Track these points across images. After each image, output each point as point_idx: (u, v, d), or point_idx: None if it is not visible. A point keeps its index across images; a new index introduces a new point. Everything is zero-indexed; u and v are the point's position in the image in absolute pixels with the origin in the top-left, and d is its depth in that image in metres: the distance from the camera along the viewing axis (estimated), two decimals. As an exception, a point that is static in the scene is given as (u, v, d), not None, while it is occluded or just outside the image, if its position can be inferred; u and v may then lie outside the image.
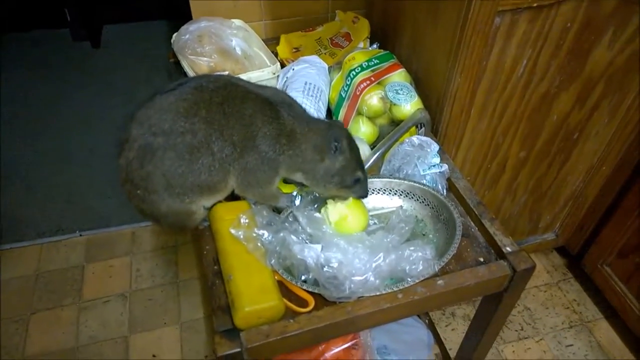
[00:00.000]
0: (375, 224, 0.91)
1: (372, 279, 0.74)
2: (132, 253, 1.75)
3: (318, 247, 0.76)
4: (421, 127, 1.04)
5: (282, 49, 1.28)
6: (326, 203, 0.85)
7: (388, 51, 1.13)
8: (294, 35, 1.32)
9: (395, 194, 0.94)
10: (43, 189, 1.96)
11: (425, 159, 0.94)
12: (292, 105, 0.83)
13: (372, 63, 1.07)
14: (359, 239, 0.77)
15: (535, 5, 0.93)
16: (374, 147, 1.00)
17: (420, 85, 1.10)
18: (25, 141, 2.17)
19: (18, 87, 2.45)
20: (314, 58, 1.14)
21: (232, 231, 0.78)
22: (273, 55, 1.18)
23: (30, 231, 1.81)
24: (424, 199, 0.92)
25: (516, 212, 1.45)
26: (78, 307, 1.59)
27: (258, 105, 0.78)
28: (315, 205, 0.87)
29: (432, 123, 1.08)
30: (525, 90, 1.09)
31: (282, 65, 1.19)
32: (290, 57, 1.24)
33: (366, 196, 0.86)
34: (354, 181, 0.82)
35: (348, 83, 1.06)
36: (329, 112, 1.11)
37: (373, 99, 1.03)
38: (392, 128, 1.03)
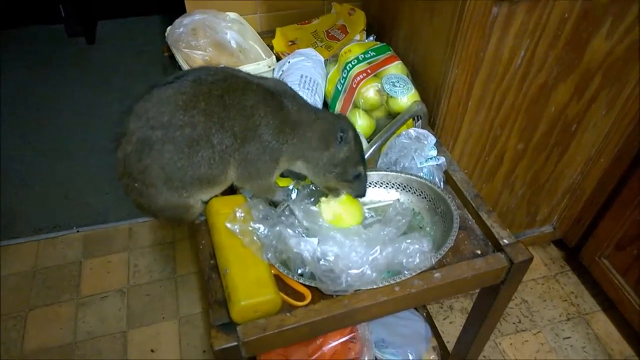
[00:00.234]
0: (372, 217, 0.91)
1: (368, 272, 0.73)
2: (129, 249, 1.74)
3: (314, 240, 0.75)
4: (418, 120, 1.03)
5: (278, 42, 1.27)
6: (319, 201, 0.84)
7: (384, 43, 1.12)
8: (290, 28, 1.31)
9: (392, 187, 0.94)
10: (39, 185, 1.96)
11: (422, 152, 0.94)
12: (295, 96, 0.83)
13: (369, 55, 1.07)
14: (355, 232, 0.77)
15: (532, -5, 0.92)
16: (370, 140, 1.00)
17: (417, 77, 1.10)
18: (21, 137, 2.16)
19: (13, 84, 2.44)
20: (310, 51, 1.13)
21: (228, 225, 0.78)
22: (268, 49, 1.17)
23: (27, 227, 1.80)
24: (421, 192, 0.92)
25: (514, 205, 1.45)
26: (76, 303, 1.58)
27: (260, 96, 0.78)
28: (312, 199, 0.87)
29: (429, 115, 1.08)
30: (523, 81, 1.08)
31: (278, 59, 1.18)
32: (286, 50, 1.23)
33: (364, 196, 0.85)
34: (354, 176, 0.82)
35: (344, 76, 1.06)
36: (326, 105, 1.11)
37: (369, 92, 1.03)
38: (388, 121, 1.02)
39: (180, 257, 1.72)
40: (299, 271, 0.77)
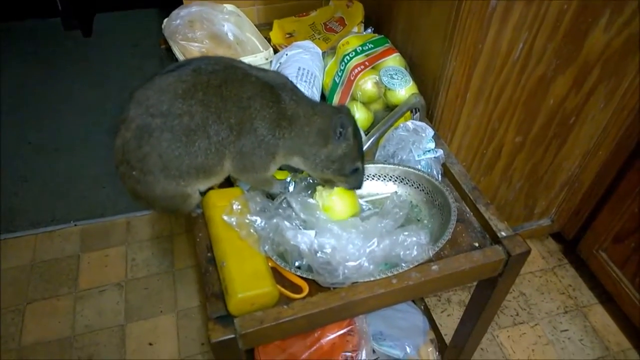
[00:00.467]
0: (369, 209, 0.91)
1: (366, 264, 0.73)
2: (127, 242, 1.74)
3: (312, 233, 0.75)
4: (416, 112, 1.03)
5: (275, 34, 1.26)
6: (316, 190, 0.84)
7: (382, 35, 1.12)
8: (287, 20, 1.31)
9: (389, 179, 0.94)
10: (37, 179, 1.95)
11: (420, 144, 0.94)
12: (295, 89, 0.82)
13: (367, 47, 1.06)
14: (352, 225, 0.77)
15: (531, -14, 0.92)
16: (368, 132, 0.99)
17: (415, 69, 1.09)
18: (17, 131, 2.15)
19: (10, 77, 2.43)
20: (308, 43, 1.13)
21: (225, 218, 0.77)
22: (266, 41, 1.16)
23: (25, 221, 1.79)
24: (419, 185, 0.92)
25: (512, 198, 1.45)
26: (74, 296, 1.58)
27: (257, 89, 0.77)
28: (309, 192, 0.87)
29: (427, 108, 1.07)
30: (521, 74, 1.08)
31: (275, 51, 1.17)
32: (283, 43, 1.23)
33: (360, 188, 0.85)
34: (352, 171, 0.82)
35: (342, 68, 1.05)
36: (323, 98, 1.10)
37: (367, 84, 1.02)
38: (386, 113, 1.02)
39: (178, 251, 1.72)
40: (296, 264, 0.77)
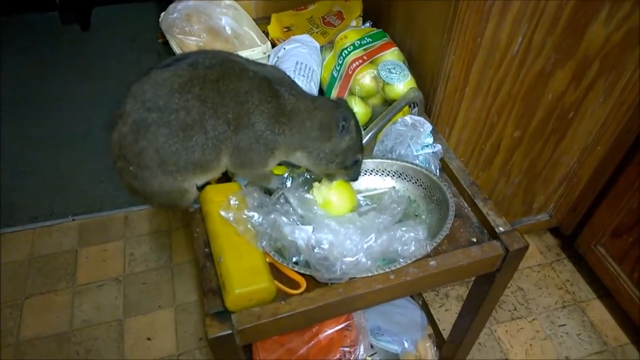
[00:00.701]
0: (367, 204, 0.90)
1: (363, 260, 0.73)
2: (125, 237, 1.74)
3: (309, 228, 0.75)
4: (414, 107, 1.02)
5: (273, 28, 1.26)
6: (312, 187, 0.84)
7: (381, 29, 1.11)
8: (285, 14, 1.30)
9: (387, 174, 0.93)
10: (34, 173, 1.95)
11: (418, 139, 0.93)
12: (293, 84, 0.81)
13: (365, 42, 1.05)
14: (350, 220, 0.76)
15: (530, -20, 0.91)
16: (366, 127, 0.99)
17: (414, 63, 1.09)
18: (15, 125, 2.14)
19: (7, 71, 2.41)
20: (306, 37, 1.12)
21: (222, 213, 0.77)
22: (264, 35, 1.15)
23: (23, 216, 1.79)
24: (417, 180, 0.91)
25: (510, 193, 1.45)
26: (72, 291, 1.58)
27: (255, 83, 0.76)
28: (306, 187, 0.86)
29: (426, 102, 1.07)
30: (520, 68, 1.07)
31: (273, 45, 1.17)
32: (281, 37, 1.22)
33: (357, 179, 0.85)
34: (353, 163, 0.82)
35: (340, 62, 1.04)
36: (321, 92, 1.10)
37: (365, 79, 1.02)
38: (384, 108, 1.01)
39: (176, 246, 1.72)
40: (294, 259, 0.77)
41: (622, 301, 1.45)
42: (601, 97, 1.22)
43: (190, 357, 1.44)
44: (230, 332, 0.69)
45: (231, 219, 0.77)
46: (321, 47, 1.12)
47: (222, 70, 0.75)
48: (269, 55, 1.11)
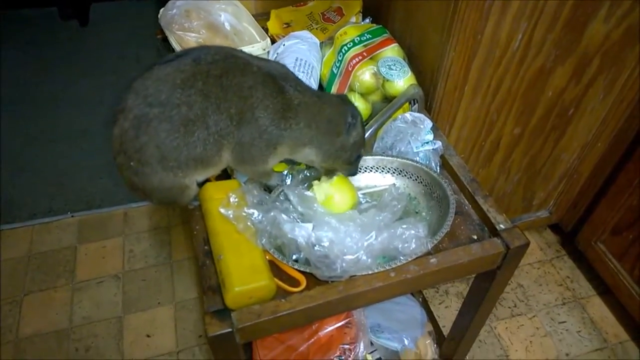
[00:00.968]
0: (367, 202, 0.90)
1: (364, 257, 0.73)
2: (124, 234, 1.74)
3: (309, 226, 0.75)
4: (414, 104, 1.02)
5: (273, 24, 1.25)
6: (312, 184, 0.84)
7: (381, 26, 1.10)
8: (285, 10, 1.29)
9: (387, 171, 0.93)
10: (33, 170, 1.94)
11: (418, 136, 0.93)
12: (297, 80, 0.81)
13: (365, 38, 1.05)
14: (350, 218, 0.76)
15: (531, -24, 0.90)
16: (366, 124, 0.98)
17: (414, 60, 1.08)
18: (14, 121, 2.13)
19: (6, 67, 2.40)
20: (305, 33, 1.11)
21: (222, 211, 0.77)
22: (263, 31, 1.15)
23: (22, 212, 1.79)
24: (417, 177, 0.91)
25: (510, 190, 1.45)
26: (71, 288, 1.58)
27: (259, 78, 0.76)
28: (306, 184, 0.86)
29: (426, 99, 1.07)
30: (520, 65, 1.07)
31: (273, 41, 1.16)
32: (280, 33, 1.22)
33: (356, 174, 0.86)
34: (356, 157, 0.83)
35: (340, 59, 1.04)
36: (321, 88, 1.09)
37: (365, 75, 1.01)
38: (384, 104, 1.01)
39: (175, 242, 1.71)
40: (294, 257, 0.77)
41: (622, 298, 1.45)
42: (601, 94, 1.21)
43: (190, 354, 1.44)
44: (230, 330, 0.69)
45: (231, 216, 0.76)
46: (321, 43, 1.12)
47: (225, 66, 0.75)
48: (268, 52, 1.10)
